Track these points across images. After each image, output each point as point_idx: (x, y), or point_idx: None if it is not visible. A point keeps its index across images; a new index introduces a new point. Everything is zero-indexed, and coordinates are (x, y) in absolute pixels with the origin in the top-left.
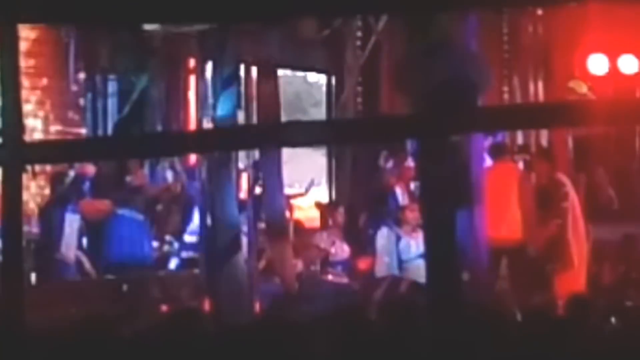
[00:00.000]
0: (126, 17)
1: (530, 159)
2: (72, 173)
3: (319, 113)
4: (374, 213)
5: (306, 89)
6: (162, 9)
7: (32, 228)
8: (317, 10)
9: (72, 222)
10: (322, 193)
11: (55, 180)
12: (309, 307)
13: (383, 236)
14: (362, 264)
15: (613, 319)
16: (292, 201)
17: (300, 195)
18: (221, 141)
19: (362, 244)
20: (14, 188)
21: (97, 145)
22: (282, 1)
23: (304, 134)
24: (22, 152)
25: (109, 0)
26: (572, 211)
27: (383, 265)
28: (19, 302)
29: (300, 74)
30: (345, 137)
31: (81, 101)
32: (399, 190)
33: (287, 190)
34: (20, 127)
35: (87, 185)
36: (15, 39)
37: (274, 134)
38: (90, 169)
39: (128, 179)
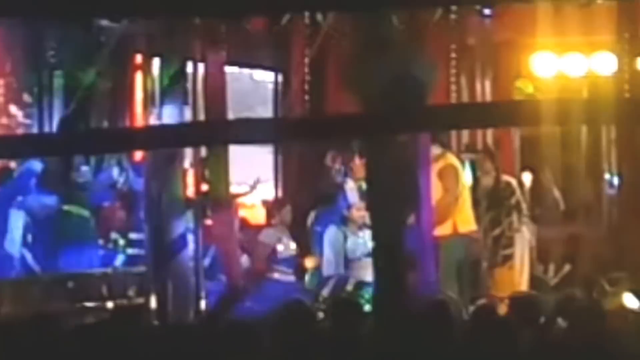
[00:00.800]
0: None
1: (476, 159)
2: (18, 169)
3: (266, 111)
4: (321, 211)
5: (253, 86)
6: (113, 3)
7: None
8: (267, 7)
9: (17, 218)
10: (268, 191)
11: (1, 176)
12: (255, 304)
13: (331, 234)
14: (309, 262)
15: (559, 318)
16: (238, 199)
17: (246, 193)
18: (168, 138)
19: (309, 242)
20: None
21: (43, 141)
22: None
23: (251, 132)
24: None
25: None
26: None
27: (330, 263)
28: None
29: (247, 71)
30: (293, 135)
31: (25, 96)
32: (349, 189)
33: (233, 188)
34: None
35: (33, 181)
36: None
37: (221, 131)
38: (37, 165)
39: (73, 175)
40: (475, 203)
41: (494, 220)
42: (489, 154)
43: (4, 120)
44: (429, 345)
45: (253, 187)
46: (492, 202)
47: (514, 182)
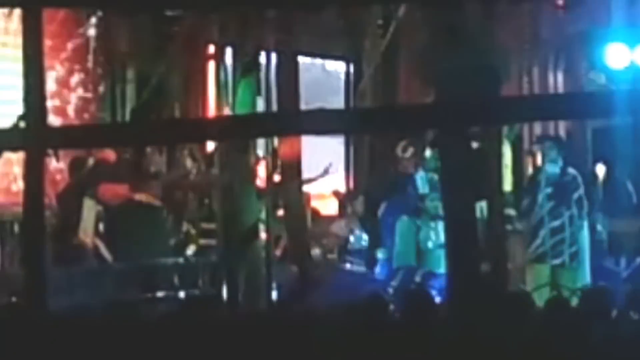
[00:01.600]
0: (148, 2)
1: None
2: (91, 159)
3: (338, 101)
4: (393, 202)
5: (325, 76)
6: None
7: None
8: None
9: (90, 208)
10: (339, 181)
11: (75, 165)
12: (327, 295)
13: (403, 225)
14: (380, 253)
15: (631, 311)
16: (309, 188)
17: (317, 178)
18: (240, 128)
19: (380, 233)
20: (36, 172)
21: (116, 131)
22: None
23: (323, 122)
24: (44, 136)
25: None
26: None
27: (401, 254)
28: (41, 286)
29: (319, 61)
30: (364, 126)
31: (100, 88)
32: (419, 180)
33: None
34: (43, 112)
35: (106, 171)
36: (39, 23)
37: (293, 121)
38: (111, 154)
39: (145, 164)
40: (536, 190)
41: (554, 211)
42: (556, 142)
43: (76, 110)
44: (502, 337)
45: (325, 173)
46: (555, 192)
47: (580, 177)
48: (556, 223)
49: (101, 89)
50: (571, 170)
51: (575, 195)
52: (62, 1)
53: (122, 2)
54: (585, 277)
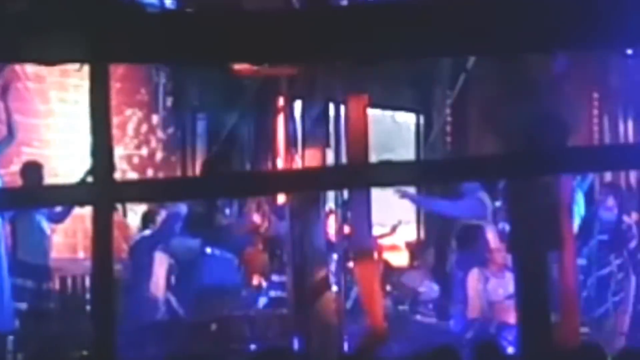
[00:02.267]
0: (217, 56)
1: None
2: (163, 212)
3: (408, 153)
4: (462, 254)
5: (395, 128)
6: (253, 49)
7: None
8: (409, 52)
9: (161, 261)
10: (410, 232)
11: (147, 218)
12: (398, 346)
13: (474, 277)
14: (453, 307)
15: None
16: (380, 241)
17: (387, 234)
18: (310, 181)
19: (450, 284)
20: (105, 226)
21: (187, 185)
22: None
23: (393, 174)
24: (112, 190)
25: (199, 40)
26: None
27: (474, 306)
28: (110, 342)
29: (389, 113)
30: (435, 177)
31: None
32: (488, 231)
33: (375, 230)
34: (111, 166)
35: (179, 224)
36: (106, 77)
37: (363, 174)
38: (183, 208)
39: (217, 217)
40: (587, 236)
41: (602, 259)
42: (612, 190)
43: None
44: None
45: (393, 230)
46: (610, 240)
47: (635, 227)
48: (604, 271)
49: (171, 138)
50: (627, 219)
51: (631, 245)
52: (131, 57)
53: (190, 58)
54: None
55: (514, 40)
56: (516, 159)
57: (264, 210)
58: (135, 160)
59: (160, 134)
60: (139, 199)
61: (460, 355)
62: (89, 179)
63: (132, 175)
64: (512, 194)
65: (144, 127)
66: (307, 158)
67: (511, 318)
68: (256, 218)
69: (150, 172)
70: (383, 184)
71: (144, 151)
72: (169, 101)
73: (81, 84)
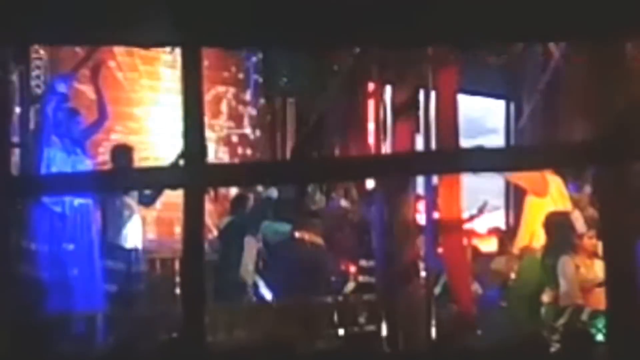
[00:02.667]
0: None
1: None
2: (252, 196)
3: (498, 139)
4: (553, 240)
5: (484, 114)
6: (344, 33)
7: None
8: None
9: (251, 245)
10: (500, 218)
11: (237, 203)
12: (487, 333)
13: (565, 264)
14: (546, 296)
15: None
16: (468, 225)
17: (474, 217)
18: (399, 167)
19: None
20: (196, 210)
21: (277, 169)
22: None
23: (484, 161)
24: (204, 174)
25: (288, 24)
26: None
27: (567, 293)
28: (200, 324)
29: (479, 98)
30: (525, 164)
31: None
32: (575, 218)
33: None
34: (203, 150)
35: (269, 209)
36: (198, 62)
37: (455, 159)
38: (274, 192)
39: (306, 202)
40: None
41: None
42: None
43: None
44: None
45: (481, 211)
46: None
47: None
48: None
49: (261, 122)
50: None
51: None
52: (223, 42)
53: (282, 43)
54: None
55: (612, 26)
56: (606, 146)
57: (352, 195)
58: (234, 139)
59: (252, 112)
60: (230, 183)
61: (549, 344)
62: (181, 162)
63: (224, 155)
64: (601, 180)
65: (237, 106)
66: (397, 143)
67: (602, 305)
68: (344, 203)
69: (241, 151)
70: (474, 169)
71: (237, 130)
72: (260, 82)
73: (171, 72)
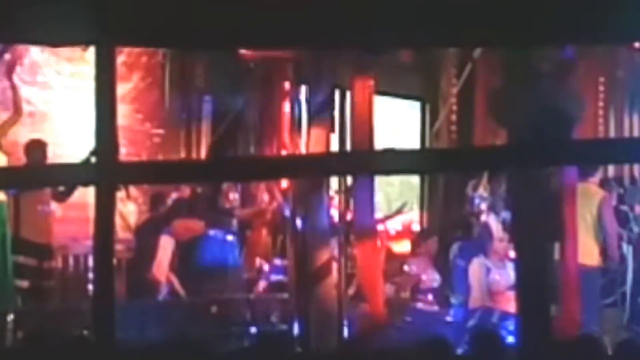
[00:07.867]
0: (224, 41)
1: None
2: (174, 195)
3: (412, 141)
4: (464, 243)
5: (400, 116)
6: (260, 33)
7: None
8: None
9: (165, 244)
10: (414, 219)
11: (155, 201)
12: (398, 334)
13: (476, 267)
14: (455, 298)
15: None
16: (382, 226)
17: (391, 216)
18: (314, 167)
19: (452, 274)
20: (107, 207)
21: (191, 167)
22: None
23: (398, 163)
24: (115, 172)
25: (206, 25)
26: None
27: (476, 296)
28: (110, 321)
29: (394, 100)
30: (439, 166)
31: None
32: (490, 221)
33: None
34: (115, 148)
35: (184, 207)
36: (112, 61)
37: (368, 161)
38: (186, 191)
39: (220, 200)
40: None
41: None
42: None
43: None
44: None
45: (397, 212)
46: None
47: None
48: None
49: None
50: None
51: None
52: (137, 41)
53: (197, 43)
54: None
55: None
56: (520, 150)
57: (273, 191)
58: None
59: (165, 113)
60: (142, 181)
61: (451, 347)
62: (93, 160)
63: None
64: (514, 184)
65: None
66: (312, 143)
67: (512, 308)
68: (265, 197)
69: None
70: (387, 172)
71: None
72: (175, 82)
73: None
